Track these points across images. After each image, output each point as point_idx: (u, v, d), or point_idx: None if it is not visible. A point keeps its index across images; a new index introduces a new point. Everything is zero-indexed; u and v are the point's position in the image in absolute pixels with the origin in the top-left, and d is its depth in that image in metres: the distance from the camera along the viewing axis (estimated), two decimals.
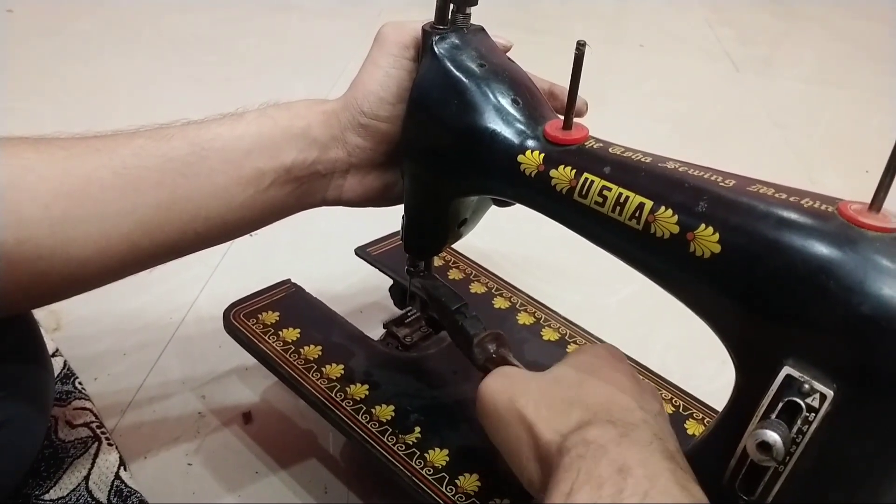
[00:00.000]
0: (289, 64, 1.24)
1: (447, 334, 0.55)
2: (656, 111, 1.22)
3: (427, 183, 0.45)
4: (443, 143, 0.42)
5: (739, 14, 1.79)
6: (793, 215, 0.32)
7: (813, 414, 0.30)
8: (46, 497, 0.47)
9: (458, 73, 0.41)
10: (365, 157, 0.46)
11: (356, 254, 0.62)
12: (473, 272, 0.63)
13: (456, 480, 0.44)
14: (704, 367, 0.60)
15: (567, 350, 0.55)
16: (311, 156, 0.45)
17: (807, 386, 0.30)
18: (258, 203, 0.44)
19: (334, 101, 0.46)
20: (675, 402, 0.51)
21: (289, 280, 0.59)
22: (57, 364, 0.57)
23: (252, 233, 0.76)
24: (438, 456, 0.45)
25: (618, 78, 1.35)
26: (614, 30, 1.67)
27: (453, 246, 0.65)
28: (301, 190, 0.45)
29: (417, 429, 0.47)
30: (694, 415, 0.50)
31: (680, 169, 0.36)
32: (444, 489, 0.43)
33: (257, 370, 0.58)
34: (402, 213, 0.49)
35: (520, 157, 0.40)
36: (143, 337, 0.63)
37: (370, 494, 0.51)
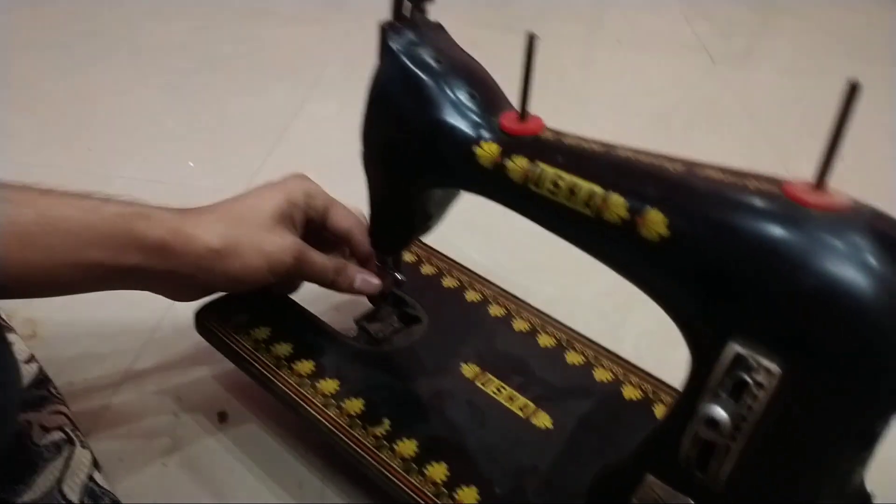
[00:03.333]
0: (267, 69, 1.24)
1: (418, 329, 0.56)
2: (633, 106, 1.23)
3: (387, 179, 0.46)
4: (401, 139, 0.43)
5: (716, 8, 1.80)
6: (739, 197, 0.32)
7: (760, 390, 0.31)
8: (19, 501, 0.47)
9: (414, 69, 0.42)
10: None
11: None
12: (445, 266, 0.63)
13: (424, 470, 0.44)
14: (677, 354, 0.61)
15: (538, 340, 0.56)
16: (158, 265, 0.46)
17: (754, 363, 0.31)
18: (94, 285, 0.47)
19: (203, 242, 0.47)
20: (645, 387, 0.52)
21: None
22: (32, 370, 0.57)
23: None
24: (407, 447, 0.46)
25: (594, 74, 1.36)
26: (591, 27, 1.68)
27: (426, 242, 0.66)
28: (141, 283, 0.49)
29: (387, 421, 0.47)
30: (663, 399, 0.51)
31: (631, 156, 0.37)
32: (412, 479, 0.44)
33: (234, 372, 0.58)
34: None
35: (476, 149, 0.40)
36: (119, 341, 0.63)
37: (346, 490, 0.52)
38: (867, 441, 0.32)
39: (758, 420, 0.31)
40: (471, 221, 0.83)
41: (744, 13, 1.79)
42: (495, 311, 0.58)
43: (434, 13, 0.45)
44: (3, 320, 0.61)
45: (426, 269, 0.63)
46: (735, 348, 0.31)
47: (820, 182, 0.31)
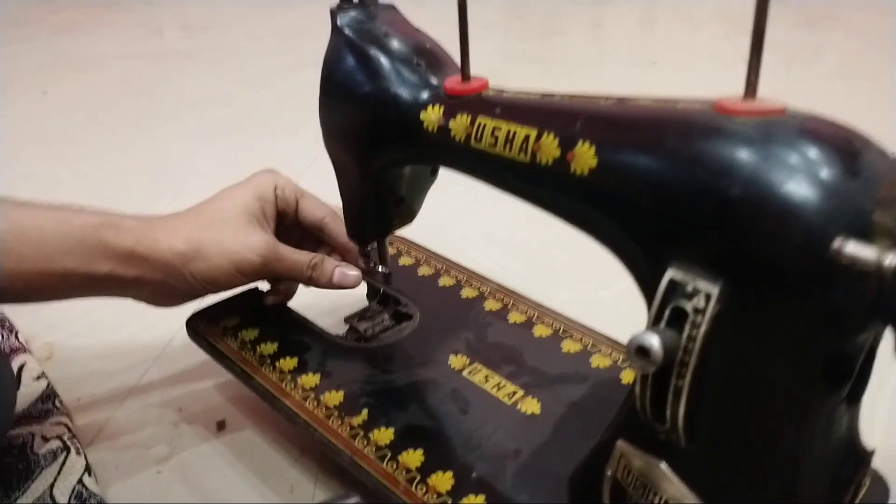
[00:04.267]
0: (297, 114, 1.28)
1: (409, 325, 0.54)
2: None
3: (347, 163, 0.45)
4: (353, 116, 0.43)
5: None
6: (664, 117, 0.30)
7: (699, 315, 0.28)
8: None
9: (360, 43, 0.42)
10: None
11: None
12: (443, 266, 0.62)
13: (398, 457, 0.42)
14: None
15: (533, 331, 0.53)
16: (129, 272, 0.47)
17: (690, 287, 0.28)
18: (73, 292, 0.48)
19: (168, 246, 0.48)
20: None
21: (255, 287, 0.59)
22: (40, 386, 0.58)
23: None
24: (383, 435, 0.44)
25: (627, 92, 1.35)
26: (628, 48, 1.66)
27: (430, 247, 0.65)
28: (118, 290, 0.49)
29: (365, 411, 0.46)
30: None
31: (565, 100, 0.35)
32: (385, 466, 0.42)
33: (234, 382, 0.58)
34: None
35: (422, 115, 0.40)
36: (129, 360, 0.64)
37: (336, 491, 0.50)
38: (839, 374, 0.29)
39: (702, 349, 0.28)
40: (487, 234, 0.83)
41: (786, 27, 1.74)
42: (491, 305, 0.57)
43: None
44: (21, 343, 0.64)
45: (423, 270, 0.62)
46: (670, 274, 0.29)
47: (749, 90, 0.29)
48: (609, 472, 0.36)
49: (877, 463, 0.39)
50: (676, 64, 1.51)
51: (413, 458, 0.42)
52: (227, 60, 1.63)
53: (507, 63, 1.51)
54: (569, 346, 0.52)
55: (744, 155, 0.27)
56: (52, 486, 0.49)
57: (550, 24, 1.89)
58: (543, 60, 1.55)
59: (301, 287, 0.57)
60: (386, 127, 0.41)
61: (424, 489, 0.41)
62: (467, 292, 0.58)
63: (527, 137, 0.34)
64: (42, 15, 2.12)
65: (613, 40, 1.73)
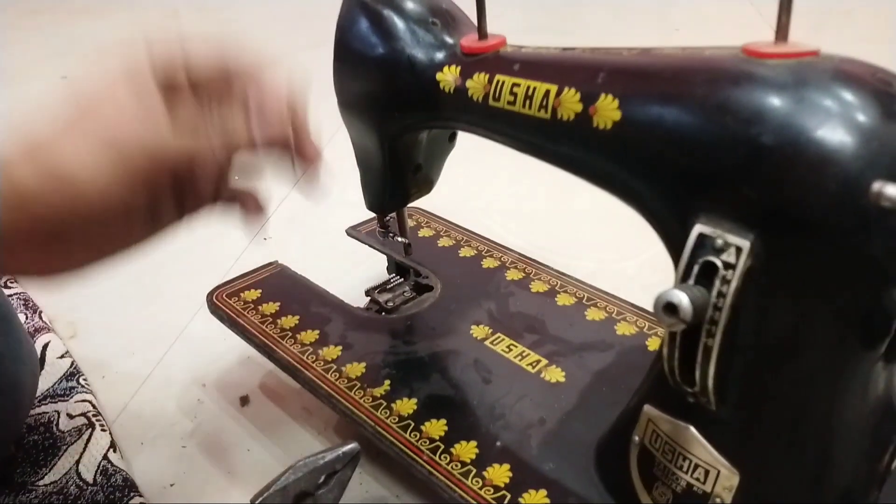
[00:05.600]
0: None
1: (430, 296, 0.54)
2: None
3: (363, 130, 0.44)
4: (367, 80, 0.42)
5: None
6: (690, 65, 0.29)
7: (731, 271, 0.27)
8: (41, 483, 0.48)
9: (373, 4, 0.41)
10: None
11: (347, 233, 0.62)
12: (464, 238, 0.61)
13: (421, 427, 0.42)
14: None
15: (556, 300, 0.52)
16: None
17: (720, 241, 0.27)
18: None
19: None
20: None
21: (275, 261, 0.59)
22: (65, 364, 0.58)
23: (266, 237, 0.77)
24: (406, 405, 0.43)
25: None
26: (649, 18, 1.63)
27: (449, 218, 0.64)
28: None
29: (387, 382, 0.45)
30: None
31: (587, 54, 0.34)
32: (408, 436, 0.41)
33: (257, 357, 0.58)
34: None
35: (438, 76, 0.39)
36: (152, 337, 0.64)
37: (363, 463, 0.50)
38: (877, 330, 0.28)
39: (732, 306, 0.27)
40: (508, 207, 0.81)
41: None
42: (513, 275, 0.56)
43: None
44: (45, 322, 0.64)
45: (443, 242, 0.61)
46: (698, 229, 0.28)
47: (781, 33, 0.28)
48: (636, 438, 0.35)
49: None
50: (700, 31, 1.47)
51: (436, 427, 0.42)
52: (246, 39, 1.61)
53: (528, 34, 1.49)
54: (593, 314, 0.51)
55: (775, 100, 0.26)
56: (77, 463, 0.49)
57: None
58: (564, 32, 1.52)
59: (319, 258, 0.56)
60: (401, 90, 0.40)
61: (448, 458, 0.40)
62: (488, 262, 0.57)
63: (547, 93, 0.33)
64: (59, 1, 2.13)
65: (635, 9, 1.69)
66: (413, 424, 0.42)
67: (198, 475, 0.50)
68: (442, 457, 0.40)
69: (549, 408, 0.43)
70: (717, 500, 0.31)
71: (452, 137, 0.48)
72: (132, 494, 0.46)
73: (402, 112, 0.41)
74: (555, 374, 0.45)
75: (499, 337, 0.49)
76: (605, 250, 0.72)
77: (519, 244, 0.61)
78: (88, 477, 0.48)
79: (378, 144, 0.44)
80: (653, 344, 0.47)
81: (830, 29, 1.37)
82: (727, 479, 0.30)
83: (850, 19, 1.47)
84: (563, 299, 0.52)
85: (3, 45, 1.71)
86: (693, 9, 1.64)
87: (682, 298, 0.26)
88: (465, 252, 0.59)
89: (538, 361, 0.46)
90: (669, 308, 0.26)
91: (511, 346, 0.48)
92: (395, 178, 0.47)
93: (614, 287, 0.54)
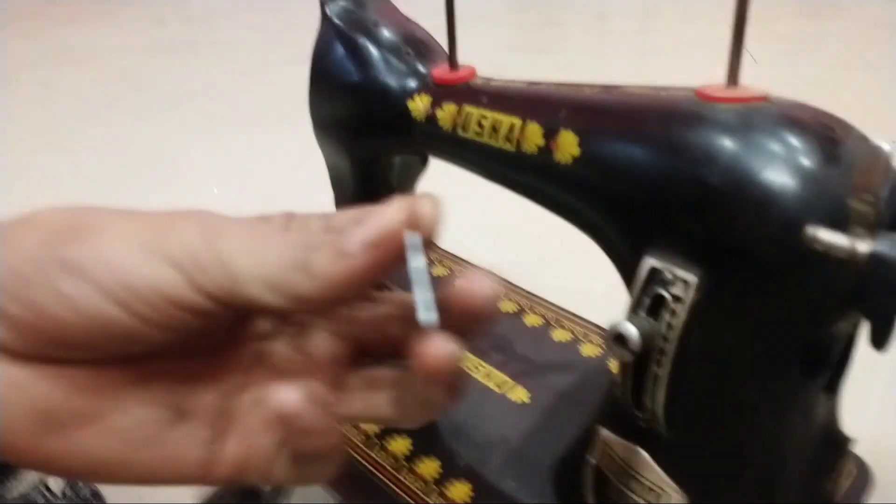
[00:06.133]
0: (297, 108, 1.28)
1: None
2: None
3: (337, 153, 0.45)
4: (341, 106, 0.43)
5: (760, 14, 1.75)
6: (646, 105, 0.30)
7: (678, 304, 0.28)
8: (8, 496, 0.48)
9: (349, 33, 0.42)
10: None
11: None
12: (436, 257, 0.62)
13: (386, 445, 0.43)
14: None
15: (524, 320, 0.53)
16: None
17: (669, 275, 0.28)
18: None
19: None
20: None
21: None
22: None
23: None
24: (370, 425, 0.44)
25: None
26: (630, 39, 1.66)
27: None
28: None
29: None
30: None
31: (551, 89, 0.35)
32: (372, 453, 0.42)
33: None
34: None
35: (409, 104, 0.40)
36: None
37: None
38: (817, 362, 0.29)
39: (680, 337, 0.28)
40: (482, 225, 0.83)
41: (789, 19, 1.73)
42: None
43: None
44: None
45: None
46: (650, 262, 0.29)
47: (732, 78, 0.29)
48: (592, 460, 0.36)
49: (866, 453, 0.39)
50: (679, 54, 1.50)
51: (400, 445, 0.43)
52: (227, 52, 1.62)
53: (508, 52, 1.51)
54: (559, 335, 0.52)
55: (723, 142, 0.27)
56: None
57: (553, 14, 1.88)
58: (545, 51, 1.54)
59: None
60: (374, 116, 0.41)
61: (412, 477, 0.41)
62: None
63: (512, 126, 0.34)
64: (43, 7, 2.12)
65: (616, 31, 1.72)
66: (378, 443, 0.43)
67: (166, 490, 0.50)
68: (405, 474, 0.41)
69: (513, 427, 0.44)
70: None
71: (425, 160, 0.49)
72: None
73: (375, 137, 0.43)
74: (519, 395, 0.46)
75: (465, 356, 0.50)
76: (576, 268, 0.73)
77: (491, 261, 0.62)
78: (57, 489, 0.48)
79: (351, 167, 0.45)
80: (615, 367, 0.49)
81: (805, 54, 1.40)
82: (676, 500, 0.32)
83: (823, 45, 1.50)
84: (530, 319, 0.53)
85: None
86: (674, 31, 1.67)
87: (631, 330, 0.27)
88: (437, 271, 0.60)
89: (504, 382, 0.47)
90: (619, 339, 0.28)
91: (478, 366, 0.49)
92: (369, 199, 0.48)
93: (583, 306, 0.55)
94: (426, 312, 0.20)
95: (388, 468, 0.41)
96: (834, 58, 1.42)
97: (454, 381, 0.23)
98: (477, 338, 0.24)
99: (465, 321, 0.23)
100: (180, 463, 0.23)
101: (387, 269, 0.21)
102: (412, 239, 0.20)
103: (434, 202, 0.21)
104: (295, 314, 0.23)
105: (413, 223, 0.21)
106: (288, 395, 0.22)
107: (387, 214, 0.21)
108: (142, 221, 0.22)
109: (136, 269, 0.20)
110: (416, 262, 0.20)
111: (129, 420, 0.22)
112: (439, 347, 0.21)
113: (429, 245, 0.21)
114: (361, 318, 0.25)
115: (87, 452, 0.22)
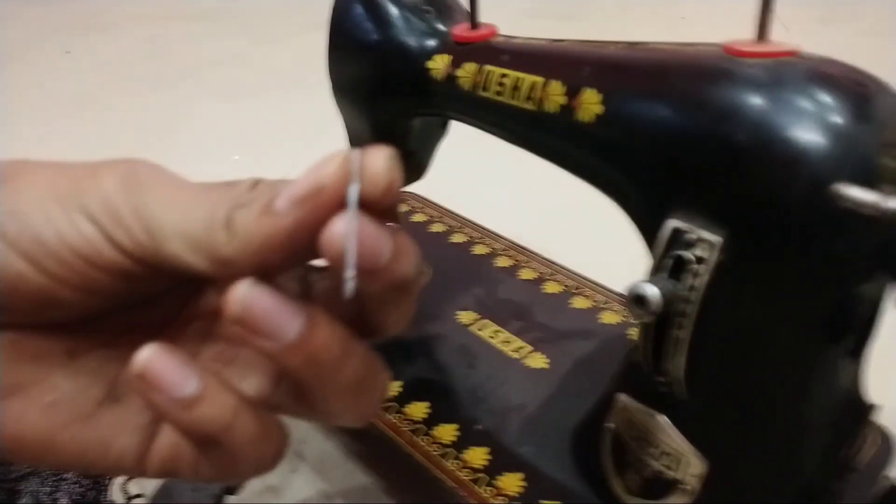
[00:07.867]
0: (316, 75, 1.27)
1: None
2: None
3: (356, 115, 0.45)
4: (360, 66, 0.42)
5: None
6: (672, 61, 0.30)
7: (701, 265, 0.27)
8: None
9: None
10: None
11: None
12: (456, 224, 0.62)
13: (404, 410, 0.43)
14: None
15: (543, 288, 0.53)
16: None
17: (693, 236, 0.28)
18: None
19: None
20: None
21: None
22: None
23: None
24: (390, 387, 0.44)
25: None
26: (656, 4, 1.62)
27: (443, 203, 0.65)
28: None
29: None
30: None
31: (574, 46, 0.34)
32: (391, 417, 0.42)
33: None
34: None
35: (428, 63, 0.39)
36: None
37: (341, 447, 0.51)
38: (841, 326, 0.28)
39: (703, 299, 0.28)
40: (505, 195, 0.82)
41: None
42: (502, 262, 0.56)
43: None
44: None
45: (435, 228, 0.61)
46: (672, 223, 0.28)
47: (761, 33, 0.28)
48: (610, 425, 0.36)
49: (891, 424, 0.38)
50: (705, 19, 1.46)
51: (418, 410, 0.43)
52: (249, 20, 1.61)
53: (531, 19, 1.49)
54: (578, 302, 0.51)
55: (751, 99, 0.26)
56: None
57: None
58: (568, 17, 1.52)
59: None
60: (393, 76, 0.41)
61: (430, 440, 0.41)
62: (479, 249, 0.58)
63: (533, 85, 0.34)
64: None
65: None
66: (396, 407, 0.43)
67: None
68: (423, 438, 0.41)
69: (531, 394, 0.44)
70: (686, 486, 0.32)
71: (444, 124, 0.48)
72: None
73: (393, 98, 0.42)
74: (538, 361, 0.46)
75: (485, 323, 0.50)
76: (597, 240, 0.72)
77: (513, 231, 0.62)
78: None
79: (370, 129, 0.45)
80: (635, 333, 0.48)
81: (837, 21, 1.36)
82: (695, 466, 0.31)
83: (857, 12, 1.46)
84: (550, 287, 0.53)
85: (5, 19, 1.71)
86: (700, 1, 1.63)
87: (653, 291, 0.27)
88: (457, 238, 0.60)
89: (522, 348, 0.47)
90: (639, 300, 0.27)
91: (496, 332, 0.49)
92: None
93: (603, 276, 0.55)
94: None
95: (406, 431, 0.41)
96: (867, 27, 1.38)
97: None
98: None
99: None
100: (111, 448, 0.21)
101: (318, 230, 0.18)
102: (353, 197, 0.18)
103: (385, 156, 0.19)
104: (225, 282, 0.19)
105: (355, 179, 0.18)
106: (140, 353, 0.19)
107: (321, 169, 0.18)
108: (63, 172, 0.20)
109: (48, 221, 0.19)
110: (348, 225, 0.18)
111: (53, 394, 0.20)
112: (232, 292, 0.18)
113: (384, 203, 0.18)
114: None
115: (3, 425, 0.19)
